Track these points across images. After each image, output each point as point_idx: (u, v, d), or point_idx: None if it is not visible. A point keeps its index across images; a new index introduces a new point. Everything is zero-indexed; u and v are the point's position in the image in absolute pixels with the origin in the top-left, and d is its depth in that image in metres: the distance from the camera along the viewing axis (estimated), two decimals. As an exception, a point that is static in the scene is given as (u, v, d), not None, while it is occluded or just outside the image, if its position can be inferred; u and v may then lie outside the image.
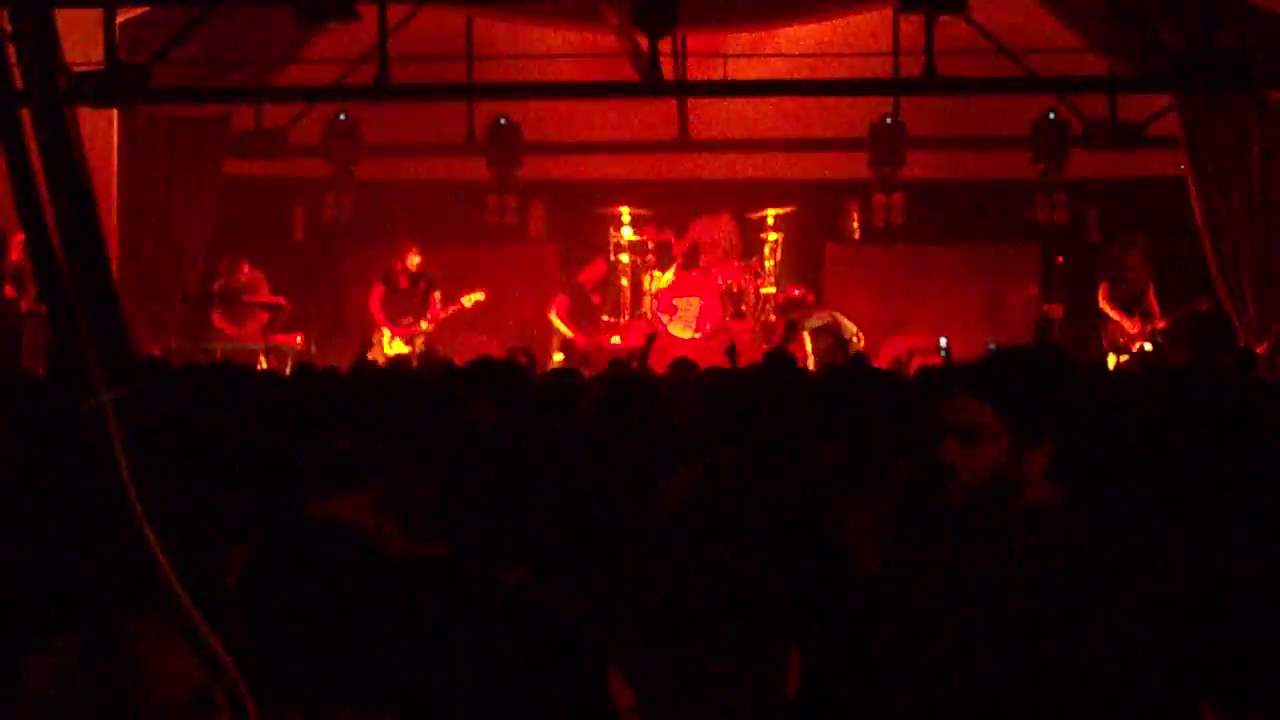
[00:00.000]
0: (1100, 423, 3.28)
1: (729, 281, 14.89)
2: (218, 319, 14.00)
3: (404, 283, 13.84)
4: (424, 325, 13.76)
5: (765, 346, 13.27)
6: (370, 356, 13.09)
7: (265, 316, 14.02)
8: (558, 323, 14.50)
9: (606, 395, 6.08)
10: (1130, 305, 13.42)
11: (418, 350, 13.44)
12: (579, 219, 15.81)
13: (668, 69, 12.79)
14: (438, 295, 13.85)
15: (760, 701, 1.95)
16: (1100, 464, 3.19)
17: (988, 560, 2.91)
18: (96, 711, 2.36)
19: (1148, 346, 13.27)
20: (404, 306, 13.75)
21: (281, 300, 14.19)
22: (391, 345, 13.61)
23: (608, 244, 15.25)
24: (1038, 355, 3.35)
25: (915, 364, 11.83)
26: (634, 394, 6.00)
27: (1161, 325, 13.33)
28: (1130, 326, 13.35)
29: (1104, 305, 13.46)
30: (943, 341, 13.72)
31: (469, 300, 13.99)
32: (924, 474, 3.60)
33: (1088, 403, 3.26)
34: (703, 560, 2.01)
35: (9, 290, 12.19)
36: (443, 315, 13.85)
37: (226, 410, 5.95)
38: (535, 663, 2.70)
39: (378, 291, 13.91)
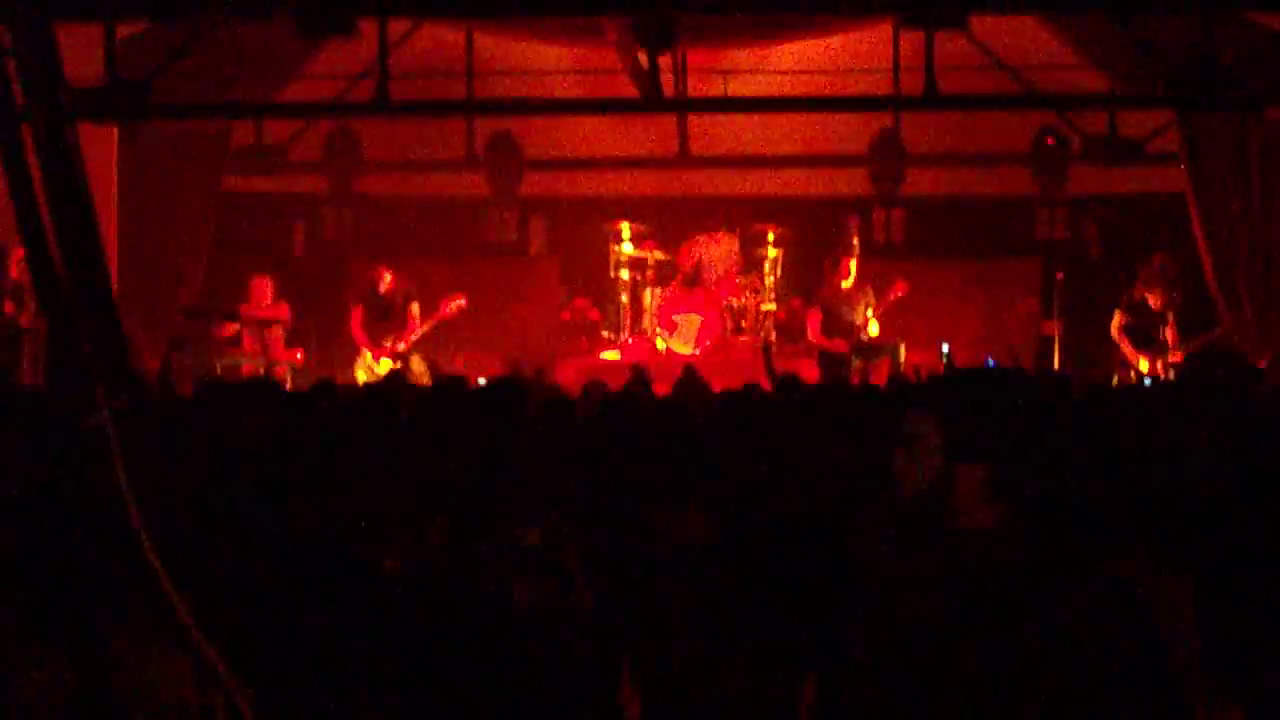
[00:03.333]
0: (1052, 448, 3.27)
1: (729, 298, 14.93)
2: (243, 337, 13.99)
3: (383, 303, 13.73)
4: (400, 346, 13.47)
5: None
6: (357, 377, 13.06)
7: (279, 333, 13.99)
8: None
9: (602, 413, 6.12)
10: (1143, 340, 13.10)
11: (413, 367, 13.31)
12: (579, 234, 15.89)
13: (668, 85, 12.83)
14: (416, 309, 13.61)
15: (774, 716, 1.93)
16: (1050, 490, 3.15)
17: (917, 578, 2.97)
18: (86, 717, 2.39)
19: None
20: (385, 326, 13.58)
21: (283, 314, 14.19)
22: (379, 364, 13.49)
23: (608, 259, 15.30)
24: (986, 376, 3.39)
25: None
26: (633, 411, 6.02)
27: (1177, 359, 12.97)
28: (1140, 363, 13.03)
29: (1116, 335, 13.23)
30: (945, 348, 13.71)
31: (451, 306, 13.72)
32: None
33: (1038, 427, 3.22)
34: (721, 588, 2.02)
35: (9, 306, 12.23)
36: (424, 328, 13.59)
37: (228, 424, 5.97)
38: (536, 671, 2.72)
39: (357, 314, 13.77)
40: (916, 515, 3.27)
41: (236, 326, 13.90)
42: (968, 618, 2.76)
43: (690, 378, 8.47)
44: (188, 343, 13.40)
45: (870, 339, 13.32)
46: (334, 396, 7.44)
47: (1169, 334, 13.08)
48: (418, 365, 13.34)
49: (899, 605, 2.99)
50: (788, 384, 7.52)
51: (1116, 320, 13.23)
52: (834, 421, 5.23)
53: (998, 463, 3.05)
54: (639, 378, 9.37)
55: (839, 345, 13.08)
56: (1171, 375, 12.75)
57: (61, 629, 2.57)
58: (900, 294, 13.30)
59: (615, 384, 8.57)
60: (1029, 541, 2.98)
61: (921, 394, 3.45)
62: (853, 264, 13.45)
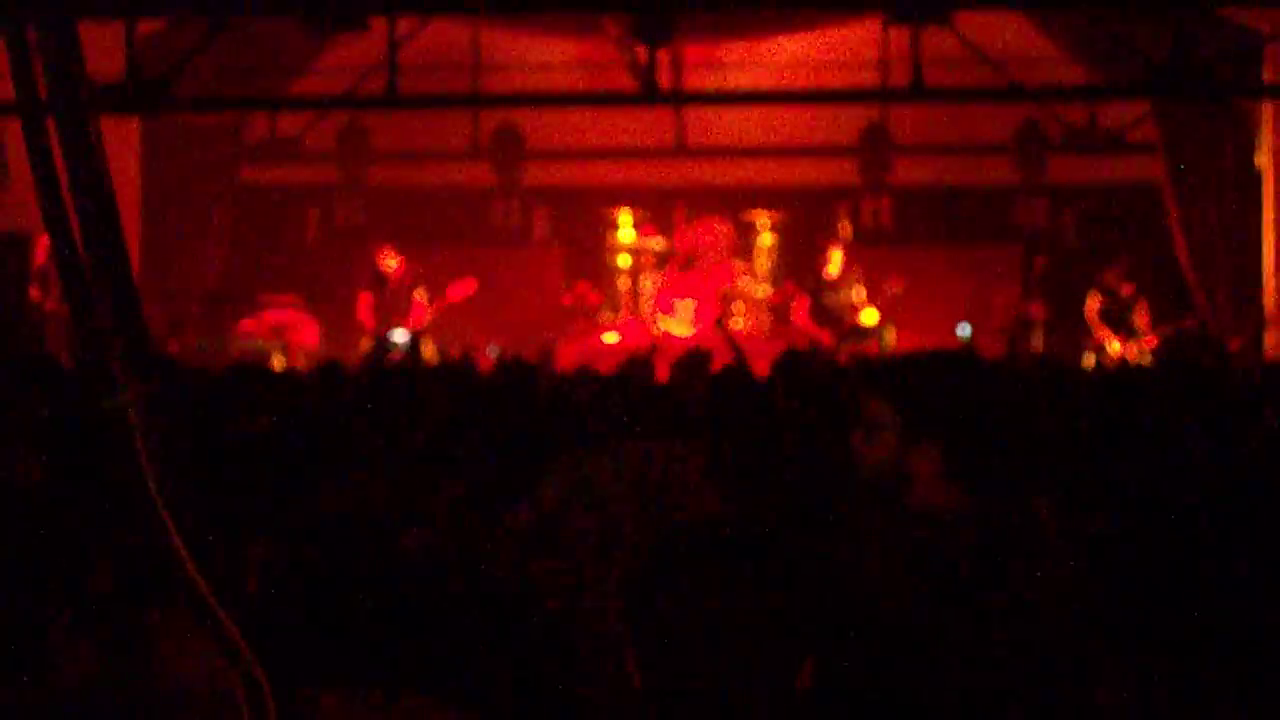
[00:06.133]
0: (1007, 426, 3.34)
1: (724, 284, 15.29)
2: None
3: (391, 287, 13.95)
4: (402, 331, 13.64)
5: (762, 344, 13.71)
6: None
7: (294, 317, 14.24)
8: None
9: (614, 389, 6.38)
10: (1117, 323, 13.45)
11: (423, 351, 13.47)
12: (580, 222, 16.19)
13: (665, 79, 13.17)
14: (423, 294, 13.83)
15: (772, 695, 1.96)
16: (1003, 466, 3.19)
17: (874, 557, 3.02)
18: (121, 703, 2.45)
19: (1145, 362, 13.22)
20: (392, 310, 13.81)
21: (290, 298, 14.54)
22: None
23: (607, 246, 15.66)
24: (940, 360, 3.49)
25: None
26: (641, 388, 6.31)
27: (1150, 345, 13.33)
28: (1114, 345, 13.34)
29: (1090, 319, 13.56)
30: (966, 330, 13.97)
31: (461, 291, 13.98)
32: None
33: (991, 407, 3.30)
34: (718, 565, 2.01)
35: (34, 291, 12.57)
36: (430, 314, 13.84)
37: (248, 405, 6.23)
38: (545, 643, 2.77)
39: (366, 299, 13.99)
40: (875, 495, 3.35)
41: (258, 318, 14.17)
42: (927, 595, 2.82)
43: (692, 359, 8.63)
44: (184, 327, 13.71)
45: (866, 326, 13.66)
46: (343, 379, 7.71)
47: (1141, 318, 13.49)
48: (428, 349, 13.60)
49: (866, 586, 2.99)
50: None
51: (1090, 303, 13.60)
52: (803, 404, 5.39)
53: (951, 443, 3.14)
54: (644, 361, 9.56)
55: (825, 335, 13.42)
56: (1146, 360, 13.11)
57: (96, 611, 2.63)
58: (896, 289, 13.67)
59: (613, 365, 8.84)
60: (984, 519, 3.03)
61: (877, 377, 3.68)
62: (837, 253, 13.80)
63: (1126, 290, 13.37)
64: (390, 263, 13.92)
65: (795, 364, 6.25)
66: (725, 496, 3.91)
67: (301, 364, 13.40)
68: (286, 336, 13.94)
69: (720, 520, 3.09)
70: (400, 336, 13.21)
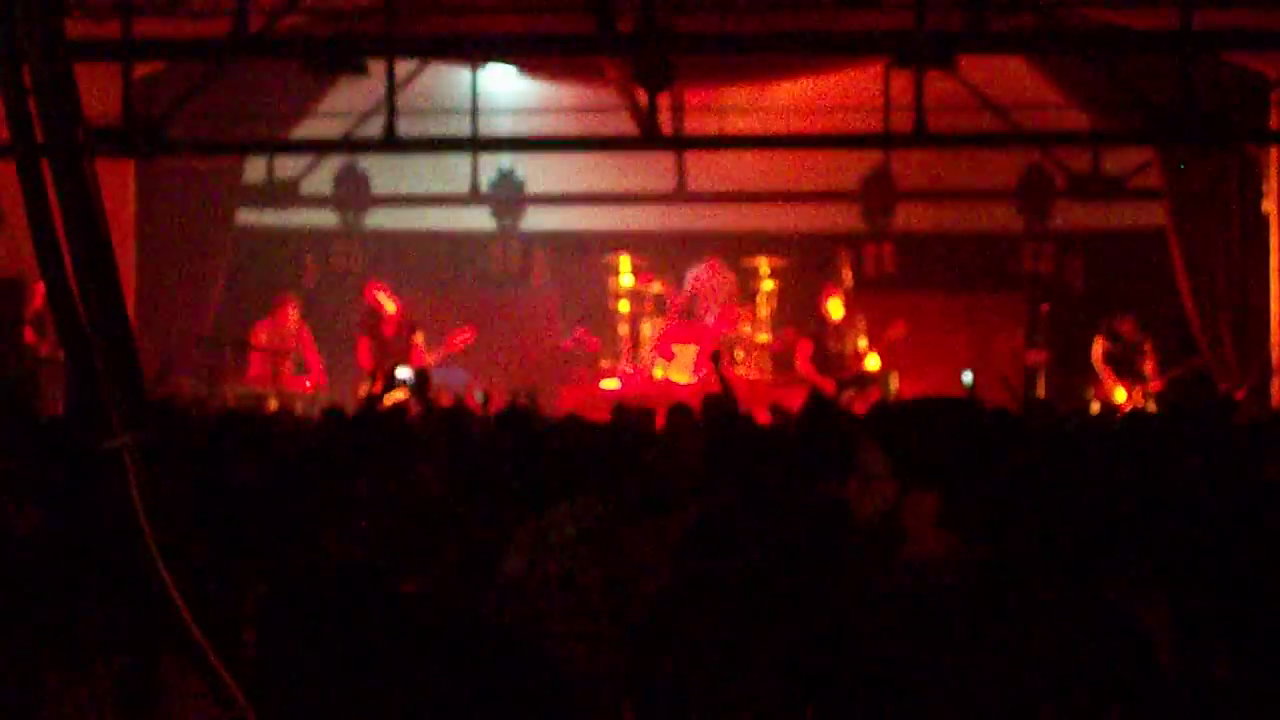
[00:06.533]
0: (1002, 475, 3.31)
1: (725, 330, 15.21)
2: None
3: (388, 331, 13.90)
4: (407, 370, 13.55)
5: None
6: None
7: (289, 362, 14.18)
8: None
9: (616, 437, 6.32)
10: (1122, 368, 13.40)
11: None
12: (580, 267, 16.16)
13: (666, 123, 13.11)
14: (420, 338, 13.85)
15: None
16: (1001, 517, 3.18)
17: (871, 607, 2.98)
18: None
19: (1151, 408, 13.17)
20: (391, 354, 13.71)
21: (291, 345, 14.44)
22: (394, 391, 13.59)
23: (607, 291, 15.59)
24: (937, 407, 3.42)
25: None
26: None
27: (1156, 388, 13.30)
28: (1119, 391, 13.29)
29: (1097, 363, 13.52)
30: (967, 377, 13.90)
31: (459, 339, 14.00)
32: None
33: (987, 455, 3.26)
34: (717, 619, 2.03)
35: (30, 335, 12.51)
36: (431, 359, 13.75)
37: (243, 451, 6.14)
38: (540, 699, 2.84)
39: (364, 343, 14.00)
40: (871, 545, 3.29)
41: (258, 360, 14.06)
42: (921, 646, 2.78)
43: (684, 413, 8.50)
44: (173, 368, 13.59)
45: (869, 372, 13.58)
46: (343, 424, 7.64)
47: (1148, 364, 13.39)
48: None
49: (863, 636, 2.92)
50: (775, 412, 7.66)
51: (1097, 347, 13.52)
52: (806, 452, 5.33)
53: (947, 491, 3.08)
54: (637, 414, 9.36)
55: (826, 382, 13.34)
56: (1150, 405, 13.04)
57: (101, 649, 2.64)
58: (898, 335, 13.61)
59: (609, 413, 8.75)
60: (979, 569, 2.99)
61: (874, 424, 3.59)
62: (837, 299, 13.75)
63: (1133, 336, 13.28)
64: (388, 307, 13.89)
65: (821, 410, 6.18)
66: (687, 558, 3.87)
67: (298, 408, 13.29)
68: (281, 383, 13.82)
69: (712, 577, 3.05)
70: (406, 374, 13.08)
